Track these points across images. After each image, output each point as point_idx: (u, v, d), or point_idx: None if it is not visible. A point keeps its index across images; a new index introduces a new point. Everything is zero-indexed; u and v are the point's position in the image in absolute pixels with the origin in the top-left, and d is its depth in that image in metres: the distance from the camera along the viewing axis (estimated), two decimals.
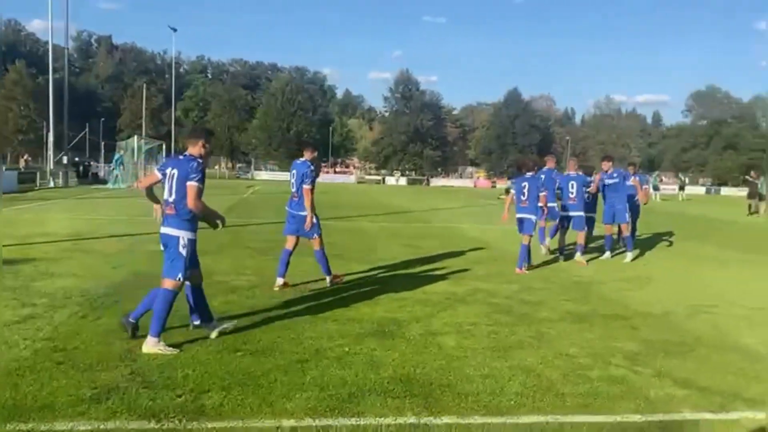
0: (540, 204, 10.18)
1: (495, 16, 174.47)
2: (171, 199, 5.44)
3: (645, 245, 14.20)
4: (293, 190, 8.04)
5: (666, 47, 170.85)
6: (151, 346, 5.23)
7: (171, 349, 5.27)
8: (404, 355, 5.36)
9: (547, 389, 4.67)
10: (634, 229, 13.63)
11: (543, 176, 11.36)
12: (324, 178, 72.03)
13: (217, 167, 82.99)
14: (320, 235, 8.11)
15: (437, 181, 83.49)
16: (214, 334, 5.68)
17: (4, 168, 33.15)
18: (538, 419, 4.13)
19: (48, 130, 38.63)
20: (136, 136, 40.22)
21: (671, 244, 15.16)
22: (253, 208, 23.37)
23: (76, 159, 42.32)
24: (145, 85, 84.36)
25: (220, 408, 4.11)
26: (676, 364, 5.41)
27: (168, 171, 5.51)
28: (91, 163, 44.56)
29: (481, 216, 23.83)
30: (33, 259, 9.57)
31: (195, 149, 5.60)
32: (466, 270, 10.08)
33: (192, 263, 5.63)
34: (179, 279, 5.39)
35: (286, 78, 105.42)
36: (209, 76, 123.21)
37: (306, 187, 7.82)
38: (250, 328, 6.04)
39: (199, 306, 5.83)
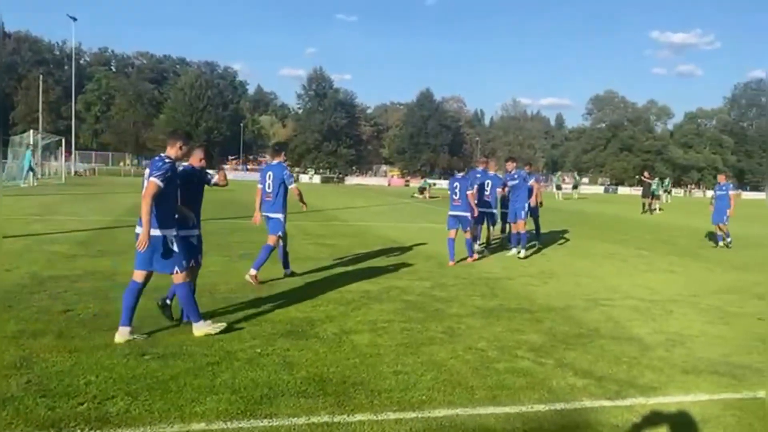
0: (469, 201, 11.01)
1: (407, 17, 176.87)
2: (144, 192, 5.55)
3: (548, 242, 14.86)
4: (269, 191, 8.54)
5: (568, 52, 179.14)
6: (199, 329, 5.71)
7: (219, 325, 5.81)
8: (318, 355, 5.35)
9: (458, 383, 4.80)
10: (537, 227, 14.29)
11: (478, 176, 12.17)
12: (236, 175, 70.52)
13: (121, 164, 79.49)
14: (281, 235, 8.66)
15: (352, 180, 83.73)
16: (119, 338, 5.52)
17: None
18: (449, 413, 4.24)
19: None
20: (32, 131, 37.74)
21: (569, 240, 15.93)
22: None
23: None
24: (41, 77, 79.21)
25: (126, 414, 3.96)
26: (576, 355, 5.70)
27: (146, 171, 5.57)
28: None
29: (395, 214, 24.09)
30: None
31: (172, 150, 5.69)
32: (380, 268, 10.18)
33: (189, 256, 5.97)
34: (182, 271, 5.65)
35: (195, 72, 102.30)
36: (113, 69, 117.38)
37: (292, 186, 8.51)
38: (157, 332, 5.83)
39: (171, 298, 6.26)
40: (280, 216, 8.50)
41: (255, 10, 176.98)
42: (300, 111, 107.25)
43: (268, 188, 8.54)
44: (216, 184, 6.47)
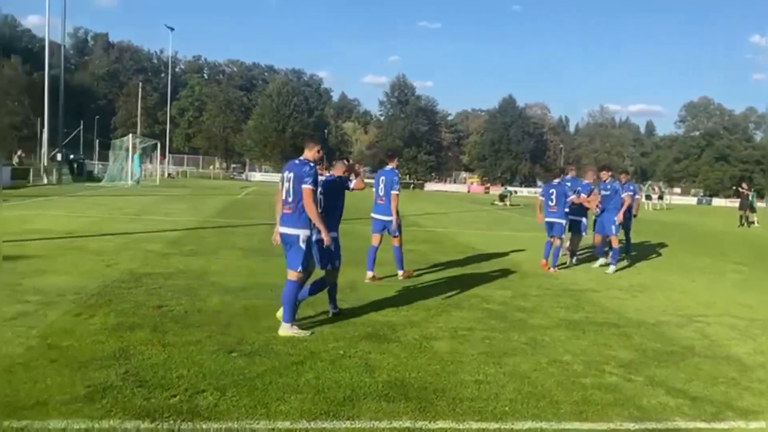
0: (576, 202, 11.52)
1: (492, 23, 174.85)
2: (289, 200, 5.92)
3: (638, 254, 14.25)
4: (381, 194, 9.11)
5: (661, 58, 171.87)
6: (285, 330, 5.85)
7: (304, 332, 5.92)
8: (399, 359, 5.35)
9: (542, 396, 4.68)
10: (628, 240, 13.60)
11: (568, 184, 11.89)
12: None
13: (211, 167, 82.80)
14: (399, 235, 9.27)
15: (430, 186, 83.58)
16: (283, 332, 5.92)
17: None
18: (533, 426, 4.13)
19: (42, 127, 38.41)
20: (131, 135, 40.01)
21: (660, 253, 15.23)
22: (246, 210, 23.30)
23: (71, 156, 42.11)
24: (141, 84, 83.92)
25: (215, 409, 4.09)
26: (668, 373, 5.43)
27: (286, 174, 5.95)
28: (86, 160, 44.34)
29: (475, 221, 23.85)
30: (27, 256, 9.51)
31: (310, 153, 6.07)
32: (460, 275, 10.09)
33: (325, 259, 6.41)
34: (300, 270, 5.88)
35: (282, 80, 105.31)
36: (205, 76, 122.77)
37: (394, 192, 8.94)
38: (244, 330, 6.01)
39: (312, 291, 6.63)
40: (392, 218, 9.00)
41: (340, 21, 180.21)
42: (382, 118, 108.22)
43: (381, 192, 9.06)
44: (354, 189, 6.80)
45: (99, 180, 37.87)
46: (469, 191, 78.09)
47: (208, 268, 9.50)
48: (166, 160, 64.50)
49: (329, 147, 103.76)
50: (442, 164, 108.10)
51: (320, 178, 6.38)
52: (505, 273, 10.50)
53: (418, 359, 5.40)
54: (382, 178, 9.11)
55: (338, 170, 6.78)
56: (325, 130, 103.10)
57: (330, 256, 6.49)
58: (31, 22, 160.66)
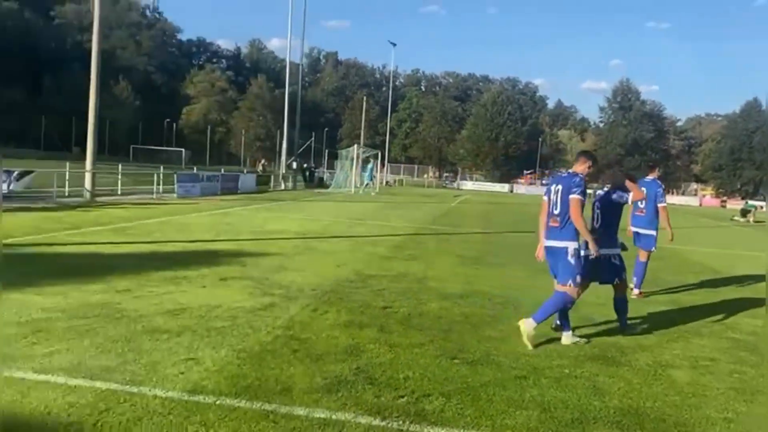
0: None
1: (730, 21, 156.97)
2: (556, 212, 5.92)
3: None
4: (641, 206, 9.04)
5: None
6: (527, 328, 5.77)
7: (582, 339, 6.05)
8: (631, 385, 4.96)
9: None
10: None
11: None
12: (528, 190, 70.57)
13: (425, 176, 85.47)
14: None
15: None
16: (566, 340, 6.01)
17: (191, 170, 37.48)
18: None
19: (282, 138, 42.85)
20: (355, 145, 42.92)
21: None
22: (460, 218, 23.60)
23: (305, 165, 46.40)
24: (365, 98, 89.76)
25: (441, 414, 4.14)
26: None
27: (553, 187, 6.04)
28: (316, 168, 48.53)
29: (709, 238, 21.50)
30: (270, 253, 10.62)
31: (580, 167, 6.09)
32: (693, 297, 9.13)
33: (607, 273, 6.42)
34: (570, 285, 5.83)
35: (497, 89, 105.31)
36: (422, 88, 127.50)
37: (662, 205, 8.99)
38: (465, 337, 6.04)
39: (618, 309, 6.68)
40: (653, 232, 9.04)
41: (560, 27, 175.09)
42: (602, 124, 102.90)
43: (641, 204, 8.91)
44: (633, 201, 6.79)
45: (327, 187, 41.17)
46: (701, 204, 70.78)
47: (427, 272, 9.75)
48: (385, 168, 67.99)
49: (542, 155, 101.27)
50: (670, 174, 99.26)
51: (599, 193, 6.49)
52: (751, 299, 9.25)
53: (654, 387, 4.95)
54: (644, 189, 8.72)
55: (619, 185, 6.58)
56: (539, 138, 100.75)
57: (615, 270, 6.42)
58: (273, 45, 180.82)
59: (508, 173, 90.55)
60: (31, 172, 17.18)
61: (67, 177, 20.10)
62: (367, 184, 38.67)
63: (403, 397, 4.39)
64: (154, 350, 4.98)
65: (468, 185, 76.28)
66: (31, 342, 4.98)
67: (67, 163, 22.42)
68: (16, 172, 16.65)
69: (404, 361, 5.19)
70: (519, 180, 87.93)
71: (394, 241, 13.82)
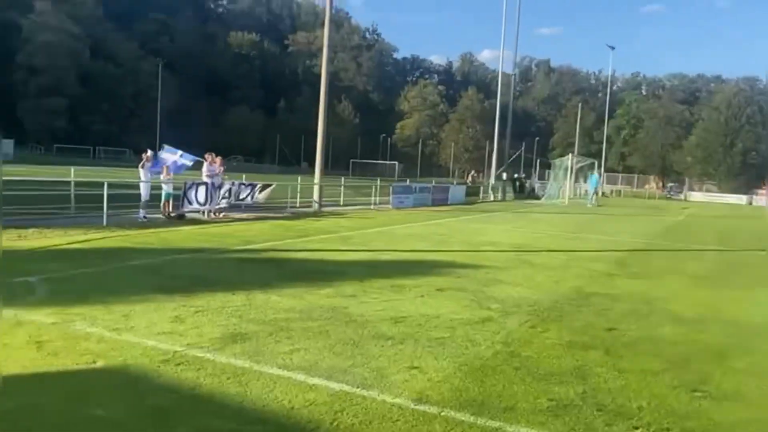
0: None
1: None
2: None
3: None
4: None
5: None
6: None
7: None
8: None
9: None
10: None
11: None
12: None
13: (646, 186, 79.38)
14: None
15: None
16: None
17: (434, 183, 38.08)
18: None
19: (492, 149, 42.81)
20: (570, 155, 41.34)
21: None
22: (691, 232, 21.45)
23: (515, 175, 45.83)
24: (579, 104, 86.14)
25: None
26: None
27: None
28: (527, 178, 47.69)
29: None
30: (484, 265, 10.58)
31: None
32: None
33: None
34: None
35: (731, 90, 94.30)
36: (643, 92, 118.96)
37: None
38: (707, 368, 5.41)
39: None
40: None
41: None
42: None
43: None
44: None
45: (539, 198, 40.18)
46: None
47: (655, 293, 8.99)
48: (601, 179, 64.49)
49: None
50: None
51: None
52: None
53: None
54: None
55: None
56: None
57: None
58: (484, 56, 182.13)
59: (745, 183, 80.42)
60: (271, 185, 19.18)
61: (298, 189, 22.11)
62: (593, 196, 37.18)
63: (637, 429, 4.05)
64: (380, 356, 5.19)
65: (696, 196, 69.19)
66: (274, 340, 5.49)
67: (299, 177, 24.66)
68: (258, 185, 18.72)
69: (636, 388, 4.80)
70: (759, 191, 77.59)
71: (616, 257, 12.98)
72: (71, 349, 4.92)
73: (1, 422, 3.66)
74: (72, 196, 14.32)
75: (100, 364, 4.67)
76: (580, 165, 44.15)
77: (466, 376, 4.84)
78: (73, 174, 15.63)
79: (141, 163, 15.37)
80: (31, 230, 11.38)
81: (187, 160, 16.39)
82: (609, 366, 5.32)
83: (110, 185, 13.86)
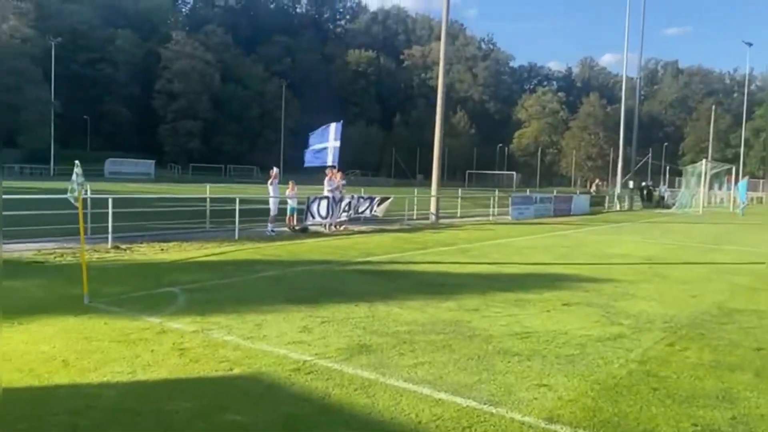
0: None
1: None
2: None
3: None
4: None
5: None
6: None
7: None
8: None
9: None
10: None
11: None
12: None
13: None
14: None
15: None
16: None
17: (577, 192, 36.78)
18: None
19: (617, 156, 40.89)
20: (703, 161, 38.60)
21: None
22: None
23: (642, 183, 43.46)
24: (713, 107, 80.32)
25: None
26: None
27: None
28: (655, 187, 45.07)
29: None
30: (613, 279, 10.07)
31: None
32: None
33: None
34: None
35: None
36: None
37: None
38: None
39: None
40: None
41: None
42: None
43: None
44: None
45: (668, 207, 37.81)
46: None
47: None
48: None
49: None
50: None
51: None
52: None
53: None
54: None
55: None
56: None
57: None
58: (605, 61, 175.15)
59: None
60: (389, 198, 19.46)
61: (415, 202, 22.27)
62: (744, 205, 34.55)
63: None
64: (507, 372, 5.07)
65: None
66: (398, 352, 5.52)
67: (415, 190, 24.88)
68: (377, 198, 19.06)
69: None
70: None
71: (760, 270, 11.90)
72: (210, 357, 5.22)
73: (156, 425, 3.93)
74: (207, 211, 15.32)
75: (236, 371, 4.91)
76: (714, 171, 41.10)
77: (599, 396, 4.61)
78: (208, 191, 16.73)
79: (270, 181, 16.18)
80: (171, 244, 12.28)
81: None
82: (761, 390, 4.86)
83: (241, 201, 14.65)
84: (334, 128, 17.53)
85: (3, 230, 11.52)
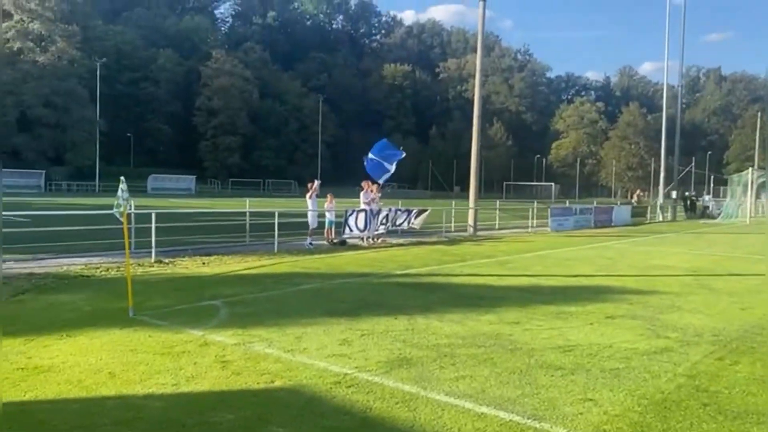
0: None
1: None
2: None
3: None
4: None
5: None
6: None
7: None
8: None
9: None
10: None
11: None
12: None
13: None
14: None
15: None
16: None
17: (619, 203, 36.09)
18: None
19: (658, 166, 40.04)
20: (750, 169, 37.51)
21: None
22: None
23: (685, 193, 42.44)
24: (758, 113, 78.05)
25: None
26: None
27: None
28: (699, 197, 43.94)
29: None
30: (658, 291, 9.83)
31: None
32: None
33: None
34: None
35: None
36: None
37: None
38: None
39: None
40: None
41: None
42: None
43: None
44: None
45: (713, 217, 36.80)
46: None
47: None
48: None
49: None
50: None
51: None
52: None
53: None
54: None
55: None
56: None
57: None
58: (645, 69, 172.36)
59: None
60: (426, 210, 19.43)
61: (452, 214, 22.16)
62: None
63: None
64: (550, 386, 4.97)
65: None
66: (439, 366, 5.47)
67: (453, 202, 24.78)
68: (414, 211, 19.05)
69: None
70: None
71: None
72: (252, 369, 5.26)
73: None
74: (247, 225, 15.52)
75: (277, 383, 4.94)
76: (762, 180, 39.84)
77: (647, 411, 4.49)
78: (248, 205, 16.97)
79: (309, 194, 16.23)
80: (212, 257, 12.47)
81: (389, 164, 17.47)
82: None
83: (279, 214, 14.81)
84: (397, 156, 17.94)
85: (49, 245, 11.81)
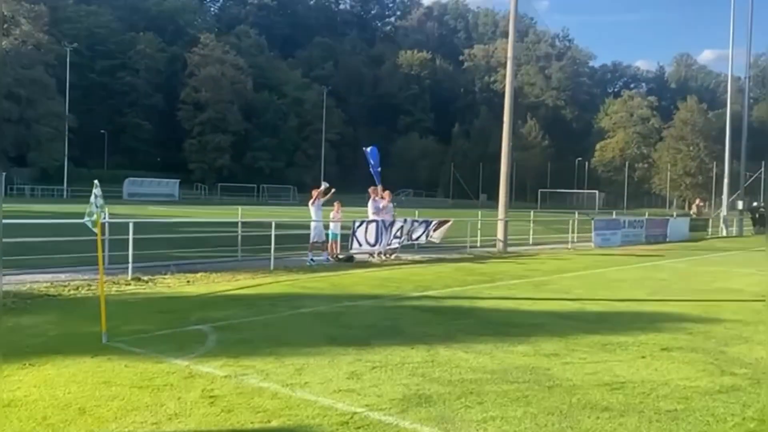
0: None
1: None
2: None
3: None
4: None
5: None
6: None
7: None
8: None
9: None
10: None
11: None
12: None
13: None
14: None
15: None
16: None
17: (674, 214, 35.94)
18: None
19: (722, 172, 39.88)
20: None
21: None
22: None
23: (754, 204, 42.14)
24: None
25: None
26: None
27: None
28: None
29: None
30: (724, 319, 9.76)
31: None
32: None
33: None
34: None
35: None
36: None
37: None
38: None
39: None
40: None
41: None
42: None
43: None
44: None
45: None
46: None
47: None
48: None
49: None
50: None
51: None
52: None
53: None
54: None
55: None
56: None
57: None
58: (705, 58, 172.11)
59: None
60: (447, 221, 19.45)
61: (478, 226, 22.16)
62: None
63: None
64: (595, 429, 4.94)
65: None
66: (464, 404, 5.46)
67: (479, 212, 24.79)
68: (433, 222, 19.07)
69: None
70: None
71: None
72: (245, 406, 5.27)
73: None
74: (239, 238, 15.60)
75: (274, 424, 4.94)
76: None
77: None
78: (240, 214, 17.07)
79: (312, 200, 16.09)
80: (199, 275, 12.54)
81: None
82: None
83: (277, 226, 14.87)
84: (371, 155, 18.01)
85: (10, 260, 11.84)
